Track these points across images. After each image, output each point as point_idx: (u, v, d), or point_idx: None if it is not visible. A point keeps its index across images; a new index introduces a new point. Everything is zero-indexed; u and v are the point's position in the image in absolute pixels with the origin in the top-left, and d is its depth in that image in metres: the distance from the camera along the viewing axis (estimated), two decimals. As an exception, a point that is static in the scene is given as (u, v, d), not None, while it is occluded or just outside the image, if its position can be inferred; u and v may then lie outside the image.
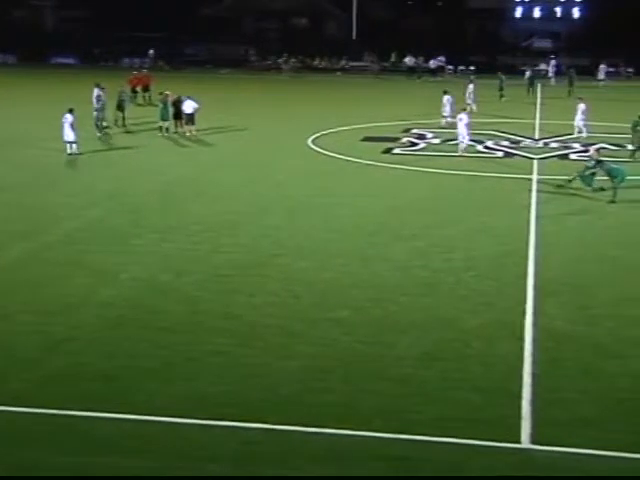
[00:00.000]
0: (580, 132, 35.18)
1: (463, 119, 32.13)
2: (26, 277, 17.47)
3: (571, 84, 52.94)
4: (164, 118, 35.44)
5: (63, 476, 10.39)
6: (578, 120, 35.29)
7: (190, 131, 35.17)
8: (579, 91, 46.68)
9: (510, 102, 47.83)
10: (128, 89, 44.73)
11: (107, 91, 37.32)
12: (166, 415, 11.72)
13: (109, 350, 13.89)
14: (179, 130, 35.67)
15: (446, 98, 38.77)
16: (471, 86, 43.68)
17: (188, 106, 35.03)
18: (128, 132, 36.30)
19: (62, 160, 29.81)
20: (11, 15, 76.69)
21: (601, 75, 59.56)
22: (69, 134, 30.24)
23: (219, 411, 11.82)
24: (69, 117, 30.25)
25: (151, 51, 68.84)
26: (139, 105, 45.08)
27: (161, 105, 35.76)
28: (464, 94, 42.92)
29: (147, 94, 46.06)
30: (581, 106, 35.32)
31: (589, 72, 60.13)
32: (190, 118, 35.10)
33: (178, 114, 35.53)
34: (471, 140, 32.28)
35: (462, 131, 32.01)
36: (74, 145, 30.38)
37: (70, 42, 72.10)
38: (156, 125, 35.74)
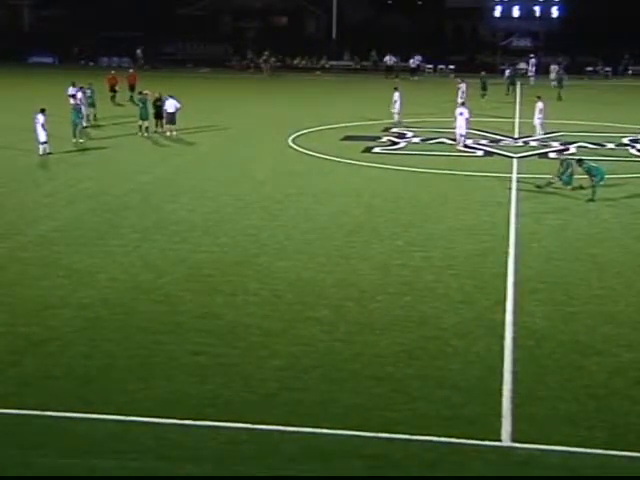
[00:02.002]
0: (538, 132, 35.35)
1: (464, 113, 32.43)
2: (3, 277, 17.35)
3: (560, 85, 51.02)
4: (144, 117, 35.30)
5: (42, 476, 10.33)
6: (535, 119, 35.42)
7: (170, 131, 35.07)
8: (538, 91, 46.30)
9: (490, 101, 47.98)
10: (106, 87, 44.68)
11: (84, 90, 37.20)
12: (146, 415, 11.68)
13: (88, 351, 13.82)
14: (159, 130, 35.56)
15: (397, 95, 38.72)
16: (463, 85, 43.78)
17: (170, 105, 34.91)
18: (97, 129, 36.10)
19: (38, 161, 29.61)
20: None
21: (552, 75, 59.63)
22: (40, 134, 30.01)
23: (199, 411, 11.79)
24: (40, 117, 30.02)
25: (138, 50, 68.47)
26: (119, 105, 44.87)
27: (140, 104, 35.60)
28: (457, 93, 43.10)
29: (132, 93, 45.73)
30: (539, 105, 35.37)
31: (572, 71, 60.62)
32: (171, 117, 34.98)
33: (159, 113, 35.43)
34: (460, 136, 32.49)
35: (462, 124, 32.20)
36: (45, 145, 30.13)
37: (48, 41, 71.63)
38: (136, 124, 35.60)
